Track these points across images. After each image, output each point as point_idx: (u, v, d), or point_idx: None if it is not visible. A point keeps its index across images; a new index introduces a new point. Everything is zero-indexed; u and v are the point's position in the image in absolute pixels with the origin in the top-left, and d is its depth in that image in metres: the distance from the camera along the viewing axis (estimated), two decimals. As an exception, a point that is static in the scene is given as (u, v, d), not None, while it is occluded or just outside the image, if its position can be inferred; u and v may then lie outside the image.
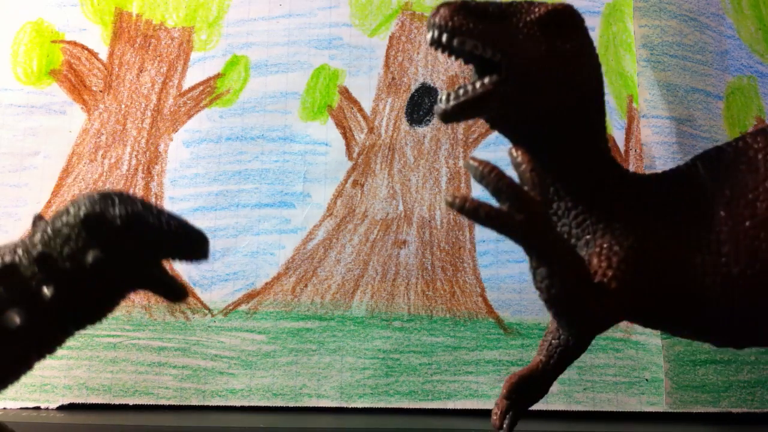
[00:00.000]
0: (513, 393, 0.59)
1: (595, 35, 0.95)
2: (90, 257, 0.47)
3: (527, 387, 0.59)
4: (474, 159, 0.44)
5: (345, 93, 0.94)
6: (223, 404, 0.84)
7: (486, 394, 0.83)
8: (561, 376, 0.80)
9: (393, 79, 0.95)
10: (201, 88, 0.95)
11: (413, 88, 0.95)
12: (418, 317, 0.87)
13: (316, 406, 0.84)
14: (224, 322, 0.87)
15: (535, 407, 0.83)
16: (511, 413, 0.59)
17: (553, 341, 0.58)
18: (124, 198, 0.49)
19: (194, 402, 0.84)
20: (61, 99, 0.95)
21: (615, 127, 0.92)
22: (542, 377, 0.59)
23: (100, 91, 0.95)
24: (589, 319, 0.48)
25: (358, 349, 0.86)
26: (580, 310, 0.47)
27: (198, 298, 0.88)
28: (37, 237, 0.49)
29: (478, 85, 0.46)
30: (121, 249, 0.48)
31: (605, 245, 0.49)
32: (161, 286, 0.50)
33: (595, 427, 0.77)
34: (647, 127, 0.91)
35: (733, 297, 0.49)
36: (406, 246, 0.89)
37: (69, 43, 0.97)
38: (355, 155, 0.92)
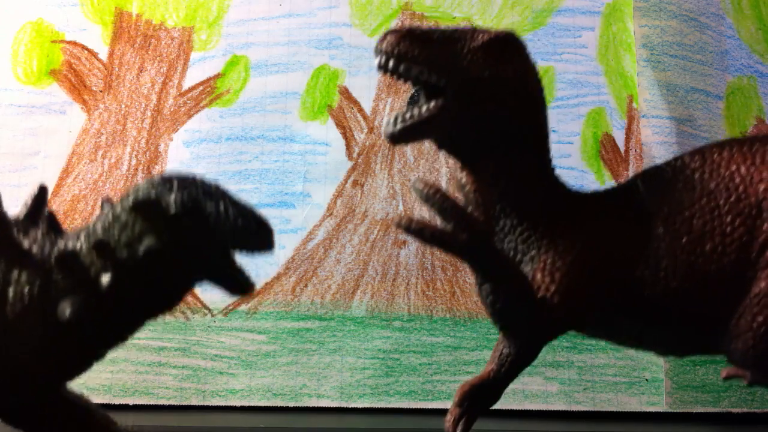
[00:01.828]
0: (465, 401, 0.60)
1: (595, 35, 0.95)
2: (143, 246, 0.45)
3: (479, 395, 0.60)
4: (420, 180, 0.46)
5: (345, 93, 0.95)
6: (223, 404, 0.84)
7: (486, 394, 0.83)
8: (561, 376, 0.80)
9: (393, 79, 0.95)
10: (201, 88, 0.95)
11: (413, 88, 0.95)
12: (418, 317, 0.87)
13: (316, 406, 0.84)
14: (224, 322, 0.87)
15: (535, 407, 0.83)
16: (464, 420, 0.60)
17: (503, 350, 0.59)
18: (186, 182, 0.46)
19: (194, 402, 0.84)
20: (61, 99, 0.95)
21: (615, 127, 0.92)
22: (493, 385, 0.60)
23: (100, 91, 0.95)
24: (532, 333, 0.51)
25: (358, 349, 0.86)
26: (523, 324, 0.49)
27: (198, 298, 0.88)
28: (99, 222, 0.47)
29: (424, 109, 0.49)
30: (177, 238, 0.45)
31: (548, 261, 0.51)
32: (224, 279, 0.46)
33: (595, 427, 0.77)
34: (647, 127, 0.91)
35: (671, 310, 0.51)
36: (406, 246, 0.89)
37: (69, 43, 0.97)
38: (355, 155, 0.92)
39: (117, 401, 0.84)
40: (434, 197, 0.45)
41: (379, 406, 0.83)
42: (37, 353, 0.46)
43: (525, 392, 0.84)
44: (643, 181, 0.55)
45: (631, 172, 0.91)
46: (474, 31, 0.51)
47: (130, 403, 0.83)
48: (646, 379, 0.83)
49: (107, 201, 0.48)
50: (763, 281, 0.49)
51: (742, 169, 0.51)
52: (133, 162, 0.93)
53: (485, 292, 0.49)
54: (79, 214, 0.91)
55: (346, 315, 0.87)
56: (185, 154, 0.93)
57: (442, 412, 0.84)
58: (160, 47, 0.97)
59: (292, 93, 0.95)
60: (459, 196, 0.48)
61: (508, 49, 0.51)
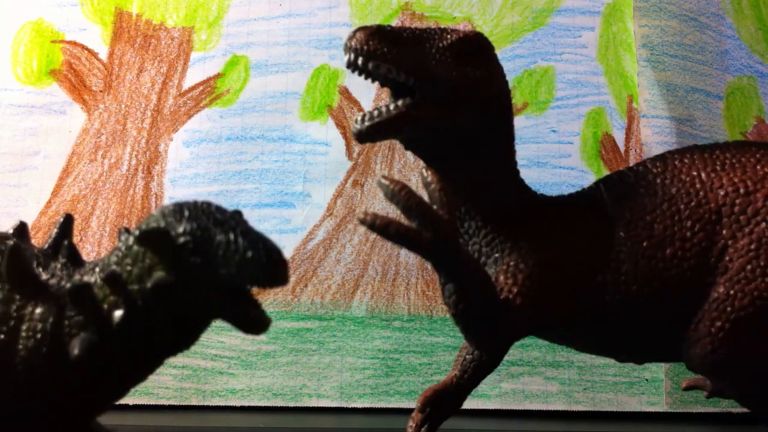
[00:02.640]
0: (427, 406, 0.60)
1: (595, 35, 0.95)
2: (152, 280, 0.42)
3: (442, 401, 0.60)
4: (385, 178, 0.45)
5: (345, 93, 0.95)
6: (223, 404, 0.84)
7: (486, 394, 0.83)
8: (561, 376, 0.80)
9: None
10: (201, 88, 0.95)
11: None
12: (418, 317, 0.87)
13: (316, 406, 0.84)
14: (224, 322, 0.87)
15: (535, 407, 0.83)
16: (427, 426, 0.61)
17: (467, 356, 0.59)
18: (198, 211, 0.43)
19: (194, 402, 0.84)
20: (61, 99, 0.95)
21: (615, 127, 0.92)
22: (456, 391, 0.60)
23: (100, 91, 0.95)
24: (494, 334, 0.50)
25: (358, 349, 0.86)
26: (485, 326, 0.49)
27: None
28: (113, 254, 0.44)
29: (392, 107, 0.49)
30: (187, 271, 0.41)
31: (512, 263, 0.51)
32: (235, 316, 0.42)
33: (595, 427, 0.77)
34: (647, 127, 0.91)
35: (631, 314, 0.51)
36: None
37: (69, 43, 0.97)
38: (355, 155, 0.92)
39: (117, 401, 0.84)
40: (399, 194, 0.45)
41: (379, 406, 0.83)
42: (50, 391, 0.44)
43: (525, 392, 0.84)
44: (606, 186, 0.55)
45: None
46: (443, 31, 0.51)
47: (130, 403, 0.83)
48: (646, 379, 0.83)
49: (125, 230, 0.45)
50: (721, 287, 0.50)
51: (703, 175, 0.52)
52: (133, 162, 0.93)
53: (448, 292, 0.49)
54: (79, 214, 0.91)
55: (346, 315, 0.87)
56: (185, 154, 0.93)
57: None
58: (160, 47, 0.97)
59: (292, 93, 0.95)
60: (425, 195, 0.48)
61: (476, 49, 0.51)
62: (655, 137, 0.90)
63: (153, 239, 0.42)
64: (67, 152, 0.93)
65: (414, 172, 0.92)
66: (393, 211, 0.90)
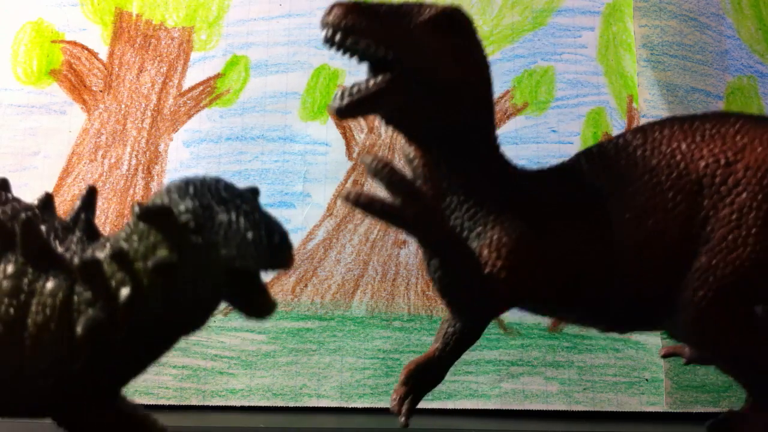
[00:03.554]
0: (410, 379, 0.60)
1: (595, 35, 0.95)
2: (154, 259, 0.41)
3: (424, 373, 0.60)
4: (368, 155, 0.46)
5: (345, 93, 0.94)
6: (223, 404, 0.84)
7: (486, 394, 0.83)
8: (561, 376, 0.80)
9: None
10: (201, 88, 0.95)
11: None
12: (418, 317, 0.87)
13: (316, 406, 0.84)
14: (224, 322, 0.87)
15: (535, 407, 0.83)
16: (410, 398, 0.60)
17: (448, 329, 0.59)
18: (205, 188, 0.41)
19: (194, 402, 0.84)
20: (61, 99, 0.95)
21: (615, 127, 0.92)
22: (438, 364, 0.60)
23: (100, 91, 0.95)
24: (479, 308, 0.51)
25: (358, 349, 0.86)
26: (470, 299, 0.50)
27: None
28: (123, 230, 0.43)
29: (371, 83, 0.48)
30: (189, 251, 0.40)
31: (495, 237, 0.51)
32: (239, 299, 0.41)
33: (595, 427, 0.77)
34: (647, 127, 0.91)
35: (614, 283, 0.52)
36: (406, 246, 0.89)
37: (69, 43, 0.97)
38: (355, 155, 0.92)
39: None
40: (382, 171, 0.45)
41: (379, 406, 0.83)
42: (58, 369, 0.43)
43: (525, 392, 0.84)
44: (587, 158, 0.55)
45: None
46: (421, 6, 0.50)
47: (130, 403, 0.83)
48: (646, 379, 0.83)
49: (137, 205, 0.43)
50: (704, 256, 0.50)
51: (683, 146, 0.52)
52: (133, 162, 0.93)
53: (433, 267, 0.49)
54: (79, 214, 0.91)
55: (346, 315, 0.87)
56: (185, 154, 0.93)
57: (442, 412, 0.84)
58: (160, 47, 0.97)
59: (292, 93, 0.95)
60: (408, 171, 0.48)
61: (454, 24, 0.51)
62: (655, 137, 0.90)
63: (155, 216, 0.41)
64: (67, 152, 0.93)
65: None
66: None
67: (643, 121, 0.91)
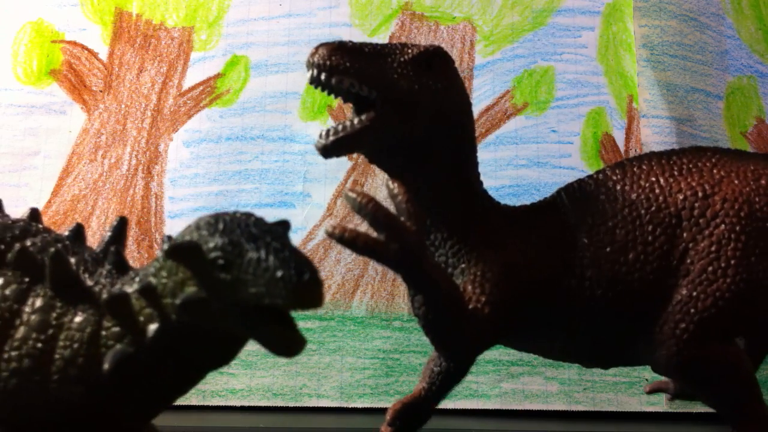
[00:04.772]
0: (397, 420, 0.61)
1: (595, 35, 0.95)
2: (183, 295, 0.40)
3: (411, 413, 0.61)
4: (352, 191, 0.46)
5: (345, 93, 0.94)
6: (223, 404, 0.84)
7: (486, 394, 0.83)
8: (561, 376, 0.80)
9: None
10: (201, 88, 0.95)
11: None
12: (418, 317, 0.87)
13: (316, 406, 0.84)
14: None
15: (535, 407, 0.83)
16: None
17: (434, 368, 0.60)
18: (234, 224, 0.40)
19: (194, 402, 0.84)
20: (61, 99, 0.95)
21: (615, 127, 0.92)
22: (425, 403, 0.61)
23: (100, 91, 0.95)
24: (464, 344, 0.51)
25: (358, 349, 0.86)
26: (455, 335, 0.50)
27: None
28: (152, 264, 0.43)
29: (356, 121, 0.50)
30: (217, 288, 0.39)
31: (478, 273, 0.52)
32: (266, 336, 0.40)
33: (595, 427, 0.77)
34: (647, 127, 0.91)
35: (596, 317, 0.52)
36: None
37: (69, 43, 0.97)
38: (355, 155, 0.92)
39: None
40: (366, 207, 0.45)
41: (379, 406, 0.83)
42: (85, 403, 0.43)
43: (525, 392, 0.84)
44: (567, 193, 0.56)
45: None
46: (404, 46, 0.52)
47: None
48: (646, 379, 0.83)
49: (167, 238, 0.43)
50: (684, 288, 0.51)
51: (661, 180, 0.53)
52: (133, 162, 0.93)
53: (417, 303, 0.49)
54: (79, 214, 0.91)
55: (346, 315, 0.87)
56: (185, 154, 0.93)
57: (442, 412, 0.84)
58: (160, 47, 0.97)
59: (292, 93, 0.95)
60: (392, 206, 0.48)
61: (436, 63, 0.52)
62: (655, 137, 0.90)
63: (183, 253, 0.40)
64: (67, 152, 0.93)
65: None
66: (393, 210, 0.90)
67: (643, 121, 0.91)
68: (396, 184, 0.48)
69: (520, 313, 0.52)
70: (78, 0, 0.98)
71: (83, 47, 0.97)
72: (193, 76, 0.95)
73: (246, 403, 0.84)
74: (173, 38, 0.97)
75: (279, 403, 0.84)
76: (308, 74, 0.50)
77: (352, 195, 0.46)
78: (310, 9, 0.97)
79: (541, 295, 0.52)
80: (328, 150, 0.51)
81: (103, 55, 0.96)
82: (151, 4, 0.98)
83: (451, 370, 0.60)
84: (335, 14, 0.97)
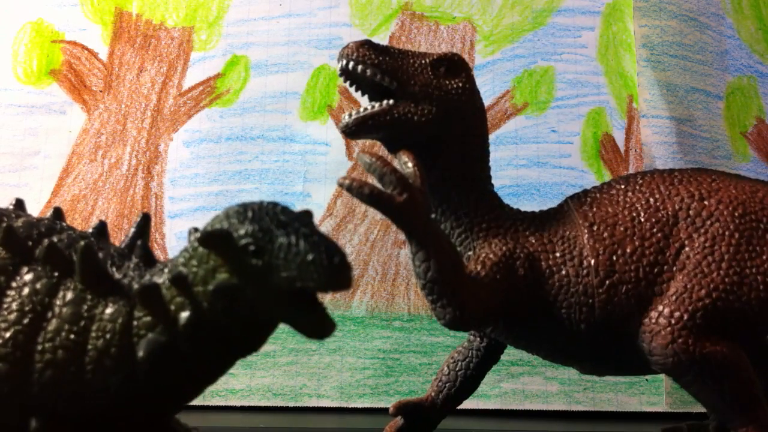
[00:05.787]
0: (400, 413, 0.63)
1: (595, 35, 0.95)
2: (215, 282, 0.41)
3: (415, 413, 0.63)
4: (363, 152, 0.50)
5: (345, 93, 0.95)
6: (223, 404, 0.84)
7: (486, 394, 0.83)
8: (561, 376, 0.80)
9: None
10: (201, 88, 0.95)
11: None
12: (418, 317, 0.87)
13: (316, 406, 0.84)
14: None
15: (536, 407, 0.83)
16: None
17: (442, 378, 0.64)
18: (263, 212, 0.42)
19: (194, 402, 0.84)
20: (61, 99, 0.95)
21: (615, 127, 0.92)
22: (430, 412, 0.63)
23: (100, 91, 0.95)
24: (461, 307, 0.52)
25: (358, 349, 0.86)
26: (453, 296, 0.51)
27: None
28: (182, 254, 0.44)
29: (376, 105, 0.56)
30: (249, 274, 0.41)
31: (482, 254, 0.55)
32: (297, 320, 0.42)
33: (595, 427, 0.77)
34: (647, 127, 0.91)
35: (593, 310, 0.54)
36: (406, 246, 0.89)
37: (69, 43, 0.97)
38: (354, 155, 0.92)
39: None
40: (376, 164, 0.49)
41: (379, 406, 0.83)
42: (120, 392, 0.43)
43: (525, 392, 0.84)
44: (572, 200, 0.60)
45: (631, 172, 0.91)
46: (425, 53, 0.58)
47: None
48: (646, 379, 0.83)
49: (194, 230, 0.45)
50: (680, 281, 0.53)
51: (662, 187, 0.57)
52: (133, 162, 0.93)
53: (418, 260, 0.51)
54: (79, 214, 0.91)
55: (346, 315, 0.87)
56: (185, 154, 0.93)
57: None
58: (160, 47, 0.97)
59: (292, 93, 0.95)
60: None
61: (453, 65, 0.57)
62: (655, 137, 0.90)
63: (215, 241, 0.41)
64: (67, 152, 0.93)
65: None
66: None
67: (643, 121, 0.91)
68: (406, 155, 0.51)
69: (519, 294, 0.54)
70: (78, 0, 0.98)
71: (83, 47, 0.97)
72: (193, 76, 0.95)
73: (246, 403, 0.84)
74: (173, 38, 0.97)
75: (279, 403, 0.84)
76: (338, 65, 0.56)
77: (364, 156, 0.49)
78: (310, 9, 0.97)
79: (540, 279, 0.55)
80: (350, 128, 0.55)
81: (103, 55, 0.97)
82: (151, 4, 0.98)
83: (458, 383, 0.63)
84: (335, 14, 0.97)
